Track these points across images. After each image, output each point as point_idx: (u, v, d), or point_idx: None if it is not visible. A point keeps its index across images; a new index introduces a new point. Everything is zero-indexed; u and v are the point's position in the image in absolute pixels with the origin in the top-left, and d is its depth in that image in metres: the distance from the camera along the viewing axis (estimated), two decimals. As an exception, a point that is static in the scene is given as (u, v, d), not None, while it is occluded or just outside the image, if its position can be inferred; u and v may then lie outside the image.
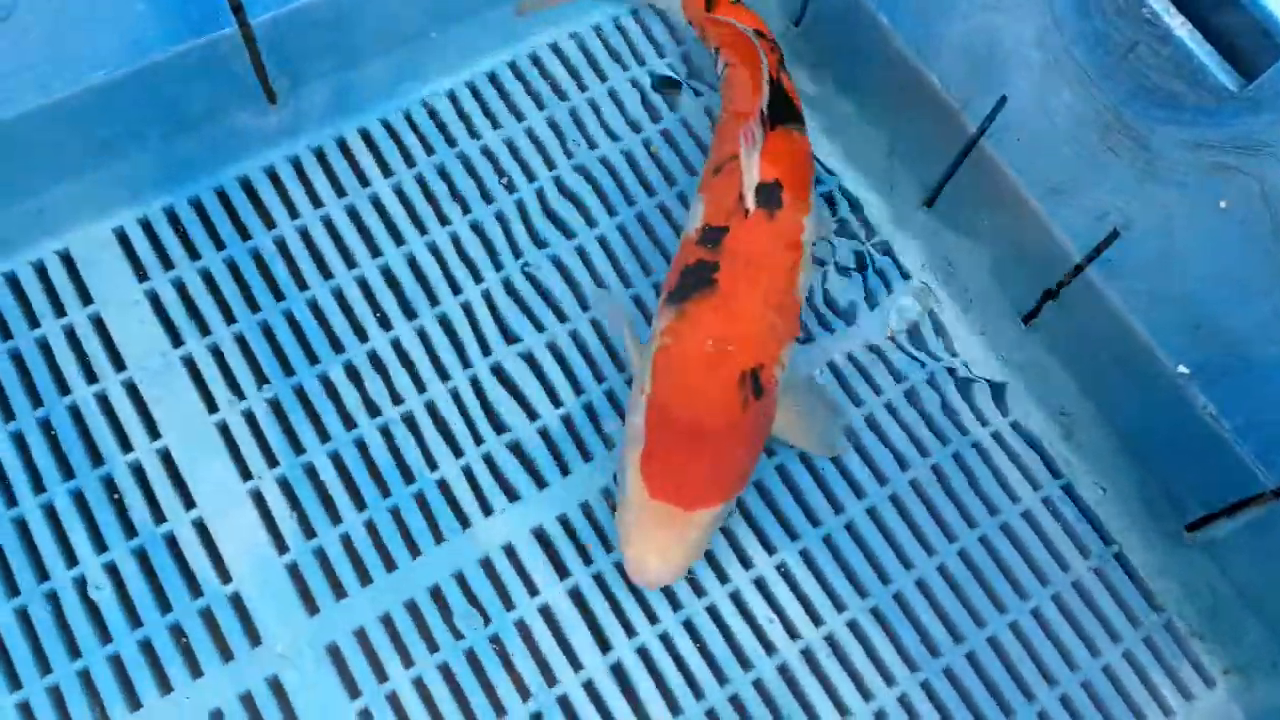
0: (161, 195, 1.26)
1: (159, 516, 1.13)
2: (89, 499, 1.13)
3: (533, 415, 1.21)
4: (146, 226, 1.26)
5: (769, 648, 1.15)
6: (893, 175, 1.34)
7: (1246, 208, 0.98)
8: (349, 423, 1.19)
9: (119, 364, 1.19)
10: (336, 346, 1.22)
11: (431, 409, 1.20)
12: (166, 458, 1.16)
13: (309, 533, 1.14)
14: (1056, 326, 1.25)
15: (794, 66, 1.38)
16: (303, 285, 1.24)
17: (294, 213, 1.28)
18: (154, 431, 1.17)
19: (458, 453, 1.19)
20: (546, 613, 1.13)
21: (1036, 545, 1.21)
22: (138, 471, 1.15)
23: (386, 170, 1.31)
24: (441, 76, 1.36)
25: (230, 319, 1.23)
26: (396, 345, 1.23)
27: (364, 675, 1.10)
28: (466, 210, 1.30)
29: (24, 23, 1.11)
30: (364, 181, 1.30)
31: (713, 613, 1.16)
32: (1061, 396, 1.27)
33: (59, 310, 1.21)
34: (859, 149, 1.36)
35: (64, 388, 1.17)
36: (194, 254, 1.25)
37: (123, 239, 1.25)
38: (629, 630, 1.14)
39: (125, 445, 1.16)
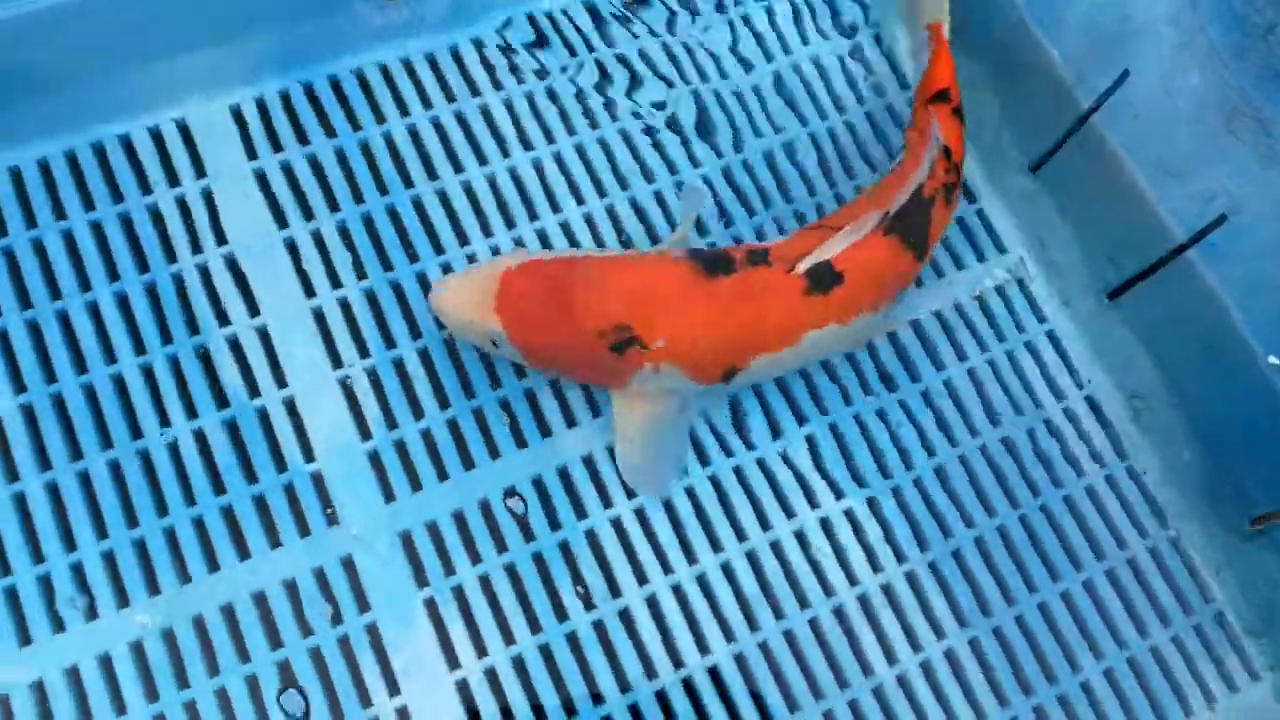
0: (278, 77, 1.28)
1: (253, 390, 1.16)
2: (184, 366, 1.15)
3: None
4: (261, 106, 1.27)
5: (828, 590, 1.17)
6: (1000, 143, 1.34)
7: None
8: (441, 323, 1.21)
9: (222, 238, 1.21)
10: (437, 247, 1.24)
11: (521, 319, 1.22)
12: (263, 335, 1.18)
13: (391, 423, 1.17)
14: (1142, 306, 1.26)
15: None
16: (408, 183, 1.26)
17: (404, 110, 1.30)
18: (253, 308, 1.19)
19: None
20: (617, 525, 1.16)
21: (1096, 520, 1.23)
22: (234, 345, 1.18)
23: (496, 83, 1.32)
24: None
25: (334, 207, 1.25)
26: (495, 253, 1.25)
27: (433, 566, 1.12)
28: (571, 132, 1.32)
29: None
30: (474, 91, 1.32)
31: (776, 549, 1.18)
32: (1138, 377, 1.28)
33: (172, 179, 1.23)
34: (968, 114, 1.37)
35: (171, 255, 1.20)
36: (303, 139, 1.27)
37: (237, 116, 1.27)
38: (690, 557, 1.16)
39: (223, 318, 1.18)
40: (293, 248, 1.22)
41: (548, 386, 1.20)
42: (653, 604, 1.14)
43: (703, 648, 1.13)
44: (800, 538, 1.18)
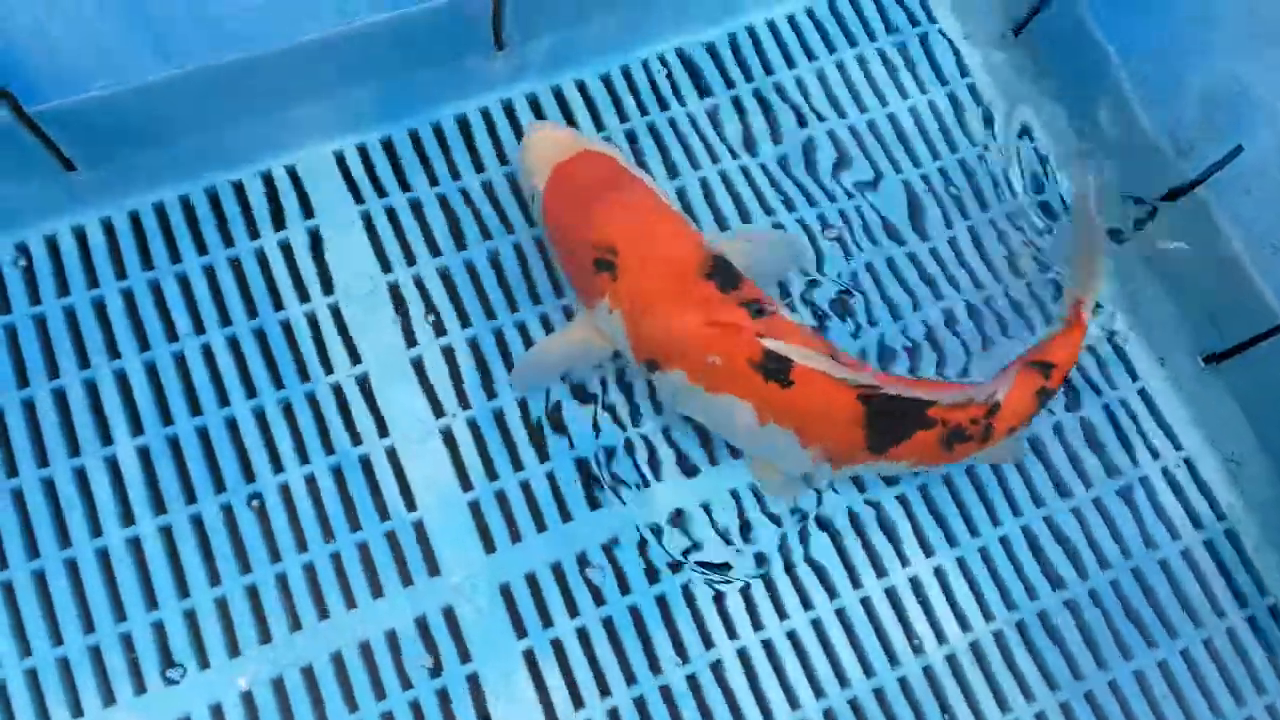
0: (382, 125, 1.30)
1: (355, 438, 1.18)
2: (296, 412, 1.18)
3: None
4: (363, 153, 1.29)
5: (916, 649, 1.18)
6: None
7: None
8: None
9: (328, 285, 1.24)
10: (534, 297, 1.26)
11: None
12: (362, 383, 1.21)
13: (492, 475, 1.19)
14: (1241, 372, 1.26)
15: (1007, 73, 1.39)
16: (509, 229, 1.28)
17: (503, 159, 1.31)
18: (355, 355, 1.21)
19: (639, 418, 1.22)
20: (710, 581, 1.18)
21: (1191, 584, 1.23)
22: (337, 392, 1.20)
23: (599, 124, 1.34)
24: (660, 39, 1.37)
25: (435, 252, 1.26)
26: (591, 302, 1.26)
27: (530, 618, 1.15)
28: (673, 174, 1.33)
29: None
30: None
31: (866, 605, 1.19)
32: (1235, 442, 1.28)
33: (278, 223, 1.25)
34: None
35: (278, 303, 1.22)
36: (405, 185, 1.29)
37: (340, 162, 1.29)
38: (781, 613, 1.18)
39: (327, 366, 1.21)
40: (395, 291, 1.24)
41: (642, 442, 1.21)
42: (744, 657, 1.16)
43: (792, 702, 1.15)
44: (891, 595, 1.19)
